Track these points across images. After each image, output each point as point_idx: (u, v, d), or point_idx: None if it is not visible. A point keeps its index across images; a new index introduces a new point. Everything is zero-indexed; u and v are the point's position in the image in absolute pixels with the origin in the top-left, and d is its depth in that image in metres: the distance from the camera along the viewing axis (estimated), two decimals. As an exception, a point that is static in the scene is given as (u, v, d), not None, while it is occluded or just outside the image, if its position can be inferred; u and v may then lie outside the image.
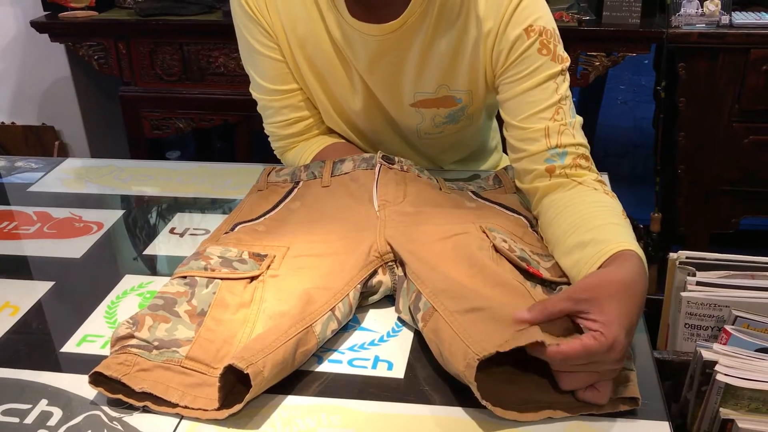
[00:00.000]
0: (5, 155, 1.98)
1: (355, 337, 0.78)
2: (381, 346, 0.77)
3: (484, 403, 0.64)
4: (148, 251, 0.98)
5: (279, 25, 1.00)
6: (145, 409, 0.68)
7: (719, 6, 1.91)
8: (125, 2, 2.22)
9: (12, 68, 2.44)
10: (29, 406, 0.69)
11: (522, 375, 0.69)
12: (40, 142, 2.48)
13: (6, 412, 0.69)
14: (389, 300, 0.84)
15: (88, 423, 0.67)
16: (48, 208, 1.10)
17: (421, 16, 0.94)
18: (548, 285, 0.80)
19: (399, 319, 0.81)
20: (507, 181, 1.01)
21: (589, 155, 0.92)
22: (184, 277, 0.80)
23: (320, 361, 0.75)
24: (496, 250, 0.82)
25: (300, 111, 1.08)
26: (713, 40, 1.89)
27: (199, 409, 0.67)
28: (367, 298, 0.83)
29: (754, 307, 0.82)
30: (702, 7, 1.91)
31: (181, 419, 0.67)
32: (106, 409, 0.68)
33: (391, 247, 0.83)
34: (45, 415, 0.68)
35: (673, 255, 0.90)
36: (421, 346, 0.76)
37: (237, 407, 0.66)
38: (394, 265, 0.83)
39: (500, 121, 1.00)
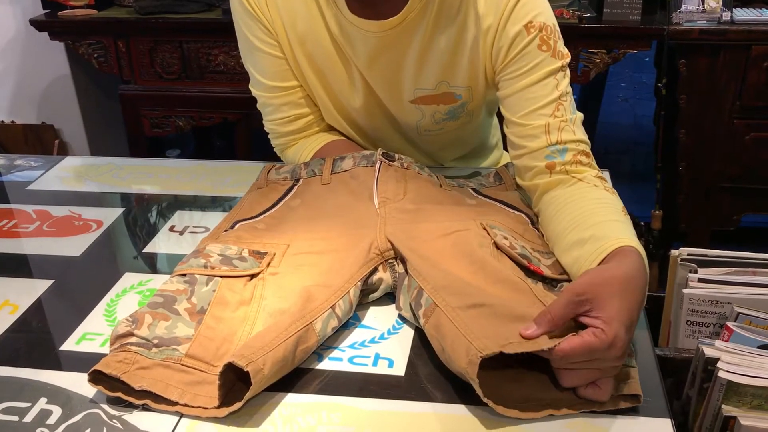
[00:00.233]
0: (5, 154, 1.98)
1: (356, 335, 0.78)
2: (381, 343, 0.77)
3: (485, 400, 0.63)
4: (147, 249, 0.98)
5: (279, 21, 1.00)
6: (145, 407, 0.67)
7: (720, 2, 1.90)
8: (124, 0, 2.22)
9: (11, 67, 2.44)
10: (29, 404, 0.69)
11: (524, 373, 0.68)
12: (40, 141, 2.48)
13: (5, 411, 0.68)
14: (390, 297, 0.83)
15: (87, 421, 0.67)
16: (47, 206, 1.10)
17: (421, 13, 0.93)
18: (549, 282, 0.80)
19: (399, 316, 0.81)
20: (508, 178, 1.01)
21: (590, 152, 0.91)
22: (184, 274, 0.80)
23: (320, 358, 0.74)
24: (497, 247, 0.82)
25: (300, 108, 1.08)
26: (714, 36, 1.89)
27: (199, 407, 0.66)
28: (367, 296, 0.82)
29: (756, 304, 0.82)
30: (703, 3, 1.91)
31: (180, 417, 0.67)
32: (105, 407, 0.68)
33: (392, 245, 0.82)
34: (44, 414, 0.68)
35: (674, 252, 0.90)
36: (422, 344, 0.76)
37: (237, 405, 0.66)
38: (395, 263, 0.82)
39: (501, 118, 0.99)
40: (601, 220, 0.79)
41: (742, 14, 1.92)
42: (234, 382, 0.68)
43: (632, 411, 0.66)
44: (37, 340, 0.79)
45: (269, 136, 1.14)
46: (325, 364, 0.74)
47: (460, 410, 0.67)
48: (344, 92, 1.05)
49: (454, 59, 0.96)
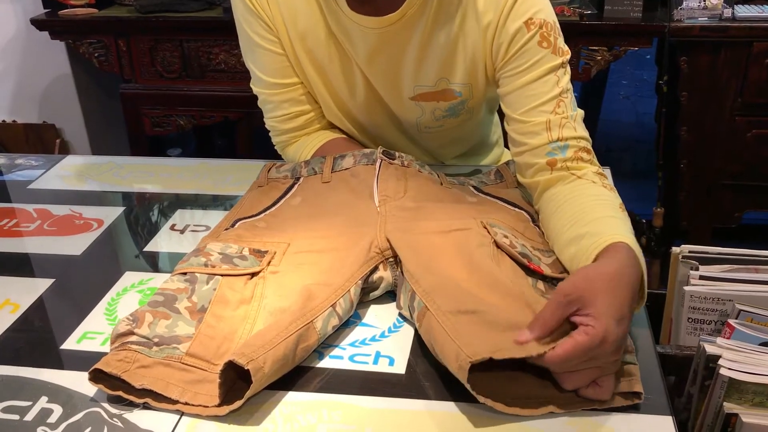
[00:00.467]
0: (5, 153, 1.98)
1: (356, 333, 0.78)
2: (382, 341, 0.77)
3: (482, 400, 0.64)
4: (148, 248, 0.98)
5: (279, 18, 1.00)
6: (146, 406, 0.67)
7: (721, -1, 1.90)
8: (125, -1, 2.22)
9: (12, 66, 2.44)
10: (29, 403, 0.69)
11: (523, 371, 0.68)
12: (41, 141, 2.48)
13: (6, 410, 0.68)
14: (390, 296, 0.83)
15: (88, 420, 0.67)
16: (48, 205, 1.10)
17: (420, 9, 0.93)
18: (549, 281, 0.80)
19: (400, 314, 0.80)
20: (508, 176, 1.00)
21: (591, 148, 0.91)
22: (185, 273, 0.80)
23: (321, 357, 0.74)
24: (498, 246, 0.82)
25: (301, 105, 1.08)
26: (715, 33, 1.88)
27: (200, 405, 0.66)
28: (368, 294, 0.82)
29: (757, 301, 0.82)
30: (704, 0, 1.90)
31: (181, 416, 0.67)
32: (106, 406, 0.68)
33: (390, 244, 0.82)
34: (45, 412, 0.68)
35: (675, 249, 0.90)
36: (422, 342, 0.75)
37: (237, 403, 0.66)
38: (395, 261, 0.82)
39: (501, 116, 0.99)
40: (598, 217, 0.79)
41: (744, 11, 1.92)
42: (234, 381, 0.68)
43: (633, 408, 0.66)
44: (37, 339, 0.79)
45: (270, 134, 1.14)
46: (326, 363, 0.74)
47: (460, 408, 0.67)
48: (345, 89, 1.04)
49: (454, 56, 0.96)
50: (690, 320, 0.86)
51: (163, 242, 0.99)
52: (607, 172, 1.13)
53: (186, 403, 0.67)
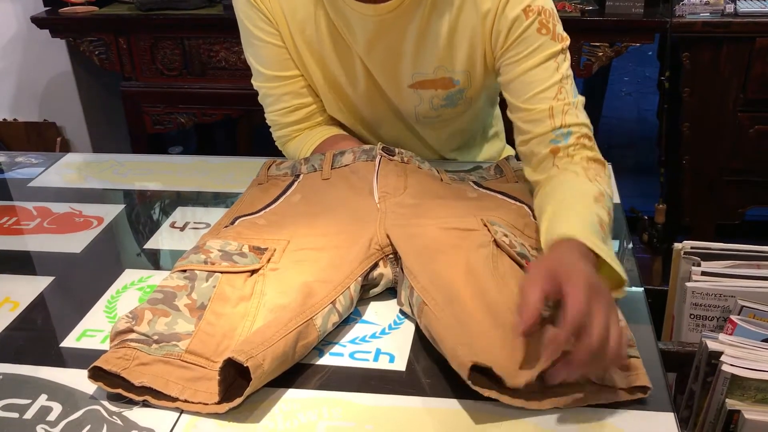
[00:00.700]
0: (6, 151, 1.98)
1: (357, 330, 0.78)
2: (382, 338, 0.76)
3: (487, 393, 0.63)
4: (148, 245, 0.97)
5: (279, 11, 1.00)
6: (145, 404, 0.67)
7: (723, -6, 1.89)
8: (125, -3, 2.22)
9: (13, 65, 2.44)
10: (29, 401, 0.69)
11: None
12: (42, 139, 2.48)
13: (6, 408, 0.68)
14: (391, 292, 0.83)
15: (87, 418, 0.66)
16: (48, 203, 1.10)
17: None
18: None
19: (400, 311, 0.80)
20: (508, 171, 1.00)
21: (592, 135, 0.93)
22: (184, 270, 0.80)
23: (321, 354, 0.74)
24: (497, 245, 0.81)
25: (301, 98, 1.08)
26: (718, 29, 1.87)
27: (199, 403, 0.66)
28: (368, 291, 0.82)
29: (760, 297, 0.81)
30: (706, -5, 1.90)
31: (181, 413, 0.66)
32: (105, 403, 0.68)
33: (389, 240, 0.82)
34: (45, 410, 0.68)
35: (677, 245, 0.90)
36: (423, 339, 0.75)
37: (237, 401, 0.65)
38: (395, 258, 0.82)
39: (504, 108, 0.99)
40: (558, 210, 0.81)
41: (746, 6, 1.91)
42: (234, 378, 0.68)
43: (636, 404, 0.65)
44: (37, 337, 0.79)
45: (271, 129, 1.13)
46: (326, 360, 0.73)
47: (461, 405, 0.66)
48: (344, 79, 1.04)
49: (452, 43, 0.97)
50: (692, 316, 0.86)
51: (163, 240, 0.99)
52: (609, 168, 1.13)
53: (185, 401, 0.66)
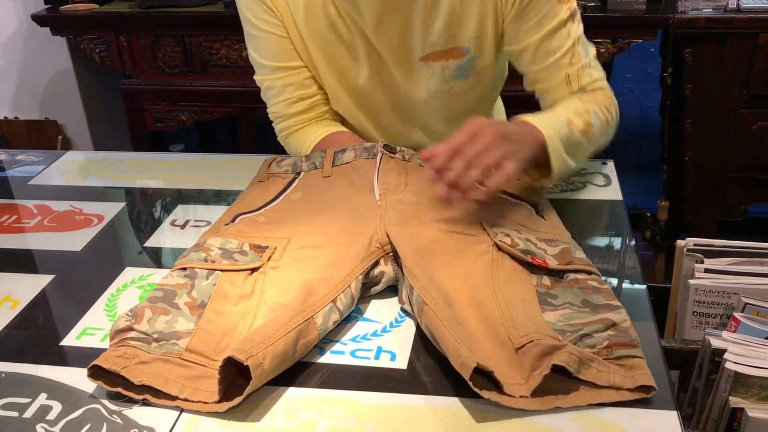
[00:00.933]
0: (6, 149, 1.98)
1: (358, 328, 0.78)
2: (384, 336, 0.76)
3: (487, 396, 0.63)
4: (148, 243, 0.97)
5: (283, 2, 1.00)
6: (145, 402, 0.67)
7: (726, -10, 1.88)
8: (126, -5, 2.21)
9: (14, 63, 2.44)
10: (29, 399, 0.69)
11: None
12: (43, 137, 2.48)
13: (5, 406, 0.68)
14: (392, 290, 0.83)
15: (87, 417, 0.66)
16: (48, 201, 1.09)
17: None
18: (555, 274, 0.79)
19: (402, 309, 0.80)
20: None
21: (606, 84, 1.00)
22: (184, 269, 0.79)
23: (322, 352, 0.74)
24: (498, 248, 0.81)
25: (305, 88, 1.07)
26: (720, 25, 1.87)
27: (199, 401, 0.66)
28: (369, 289, 0.82)
29: (763, 294, 0.81)
30: (709, -9, 1.89)
31: (181, 412, 0.66)
32: (105, 402, 0.68)
33: (389, 239, 0.82)
34: (44, 409, 0.67)
35: (680, 242, 0.89)
36: (424, 337, 0.75)
37: (237, 400, 0.65)
38: (396, 256, 0.82)
39: (507, 105, 1.01)
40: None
41: (749, 2, 1.90)
42: (234, 377, 0.67)
43: (638, 403, 0.65)
44: (37, 335, 0.79)
45: (274, 123, 1.13)
46: (327, 358, 0.73)
47: (462, 403, 0.66)
48: (348, 67, 1.04)
49: (462, 11, 0.97)
50: (695, 314, 0.86)
51: (163, 238, 0.99)
52: (611, 165, 1.12)
53: (185, 399, 0.66)
